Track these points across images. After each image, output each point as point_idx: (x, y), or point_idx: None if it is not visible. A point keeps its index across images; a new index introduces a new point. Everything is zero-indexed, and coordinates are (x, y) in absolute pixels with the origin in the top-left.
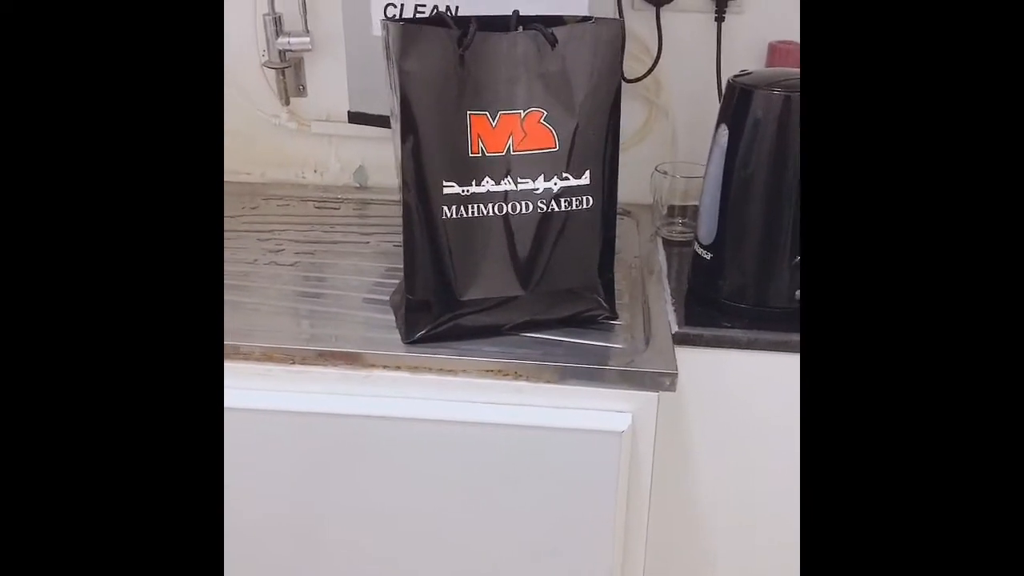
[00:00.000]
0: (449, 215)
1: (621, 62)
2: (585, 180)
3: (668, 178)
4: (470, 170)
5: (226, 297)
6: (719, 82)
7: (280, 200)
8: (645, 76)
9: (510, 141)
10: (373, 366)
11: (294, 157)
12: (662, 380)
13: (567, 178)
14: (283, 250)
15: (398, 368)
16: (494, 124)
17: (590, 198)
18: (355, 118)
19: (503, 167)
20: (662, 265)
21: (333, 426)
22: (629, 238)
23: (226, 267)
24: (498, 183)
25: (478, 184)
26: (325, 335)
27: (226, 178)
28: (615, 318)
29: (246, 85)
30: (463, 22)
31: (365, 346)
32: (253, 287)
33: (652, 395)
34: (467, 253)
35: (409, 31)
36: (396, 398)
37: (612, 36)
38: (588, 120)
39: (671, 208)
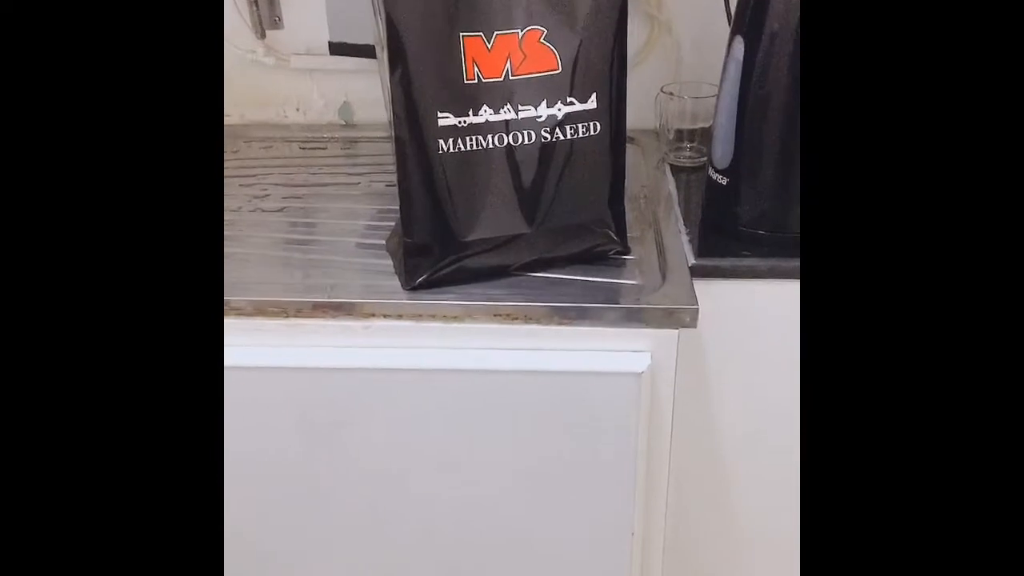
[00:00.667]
0: (446, 149)
1: None
2: (591, 104)
3: (675, 99)
4: (466, 99)
5: None
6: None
7: (262, 142)
8: None
9: (508, 64)
10: (372, 315)
11: (274, 95)
12: (682, 316)
13: (572, 103)
14: (268, 195)
15: (400, 317)
16: (490, 46)
17: (597, 124)
18: (336, 49)
19: (502, 94)
20: (672, 193)
21: (333, 381)
22: (635, 166)
23: None
24: (497, 112)
25: (476, 114)
26: (319, 285)
27: None
28: (627, 252)
29: None
30: None
31: (363, 295)
32: (239, 236)
33: (672, 332)
34: (467, 190)
35: None
36: (399, 348)
37: None
38: (593, 37)
39: (679, 132)
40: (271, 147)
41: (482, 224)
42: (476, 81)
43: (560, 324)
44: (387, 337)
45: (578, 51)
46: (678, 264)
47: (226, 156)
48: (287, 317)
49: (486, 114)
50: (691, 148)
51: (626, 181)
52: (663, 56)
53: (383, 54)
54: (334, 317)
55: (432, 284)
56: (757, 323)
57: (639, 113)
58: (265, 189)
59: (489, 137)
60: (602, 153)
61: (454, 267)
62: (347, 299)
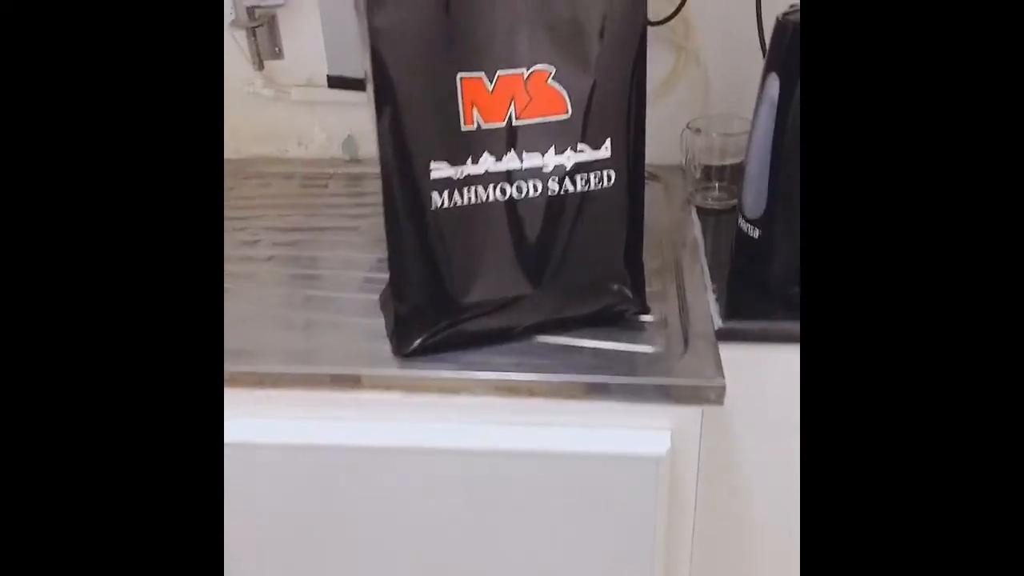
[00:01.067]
0: (440, 204)
1: (646, 12)
2: (605, 152)
3: (702, 136)
4: (464, 146)
5: None
6: (759, 20)
7: (260, 179)
8: (672, 16)
9: (512, 108)
10: (361, 386)
11: (274, 129)
12: (706, 393)
13: (583, 150)
14: (259, 241)
15: (389, 388)
16: (491, 87)
17: (611, 173)
18: (335, 82)
19: (505, 140)
20: (698, 239)
21: (316, 459)
22: (657, 207)
23: None
24: (499, 160)
25: (475, 163)
26: (303, 349)
27: None
28: (646, 312)
29: None
30: None
31: (349, 361)
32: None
33: (695, 410)
34: (465, 248)
35: None
36: (390, 423)
37: None
38: (607, 77)
39: (706, 170)
40: (269, 185)
41: (481, 285)
42: (475, 127)
43: (569, 398)
44: (378, 411)
45: (591, 93)
46: (703, 327)
47: None
48: (263, 387)
49: (486, 163)
50: (720, 188)
51: (648, 223)
52: (690, 87)
53: (371, 93)
54: (317, 388)
55: (427, 350)
56: (790, 394)
57: (664, 148)
58: (256, 234)
59: (490, 189)
60: (617, 206)
61: (451, 331)
62: (330, 368)
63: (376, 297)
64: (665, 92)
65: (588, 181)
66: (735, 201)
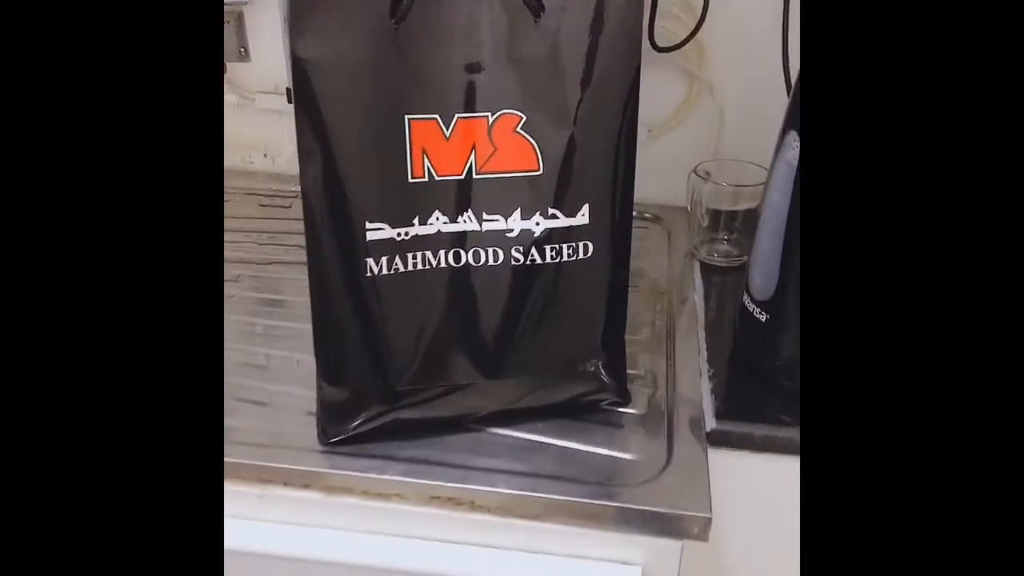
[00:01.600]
0: (378, 271)
1: (641, 39)
2: (582, 218)
3: (710, 183)
4: (410, 202)
5: None
6: (785, 50)
7: None
8: (685, 42)
9: (471, 158)
10: (269, 481)
11: (237, 139)
12: (689, 526)
13: (555, 215)
14: None
15: (306, 486)
16: (448, 133)
17: (589, 244)
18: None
19: (461, 197)
20: (698, 305)
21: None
22: (656, 256)
23: None
24: (453, 221)
25: (423, 222)
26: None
27: None
28: (625, 402)
29: None
30: None
31: (270, 446)
32: None
33: (673, 544)
34: (406, 322)
35: None
36: (300, 528)
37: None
38: (589, 130)
39: (714, 216)
40: (228, 201)
41: (425, 367)
42: (426, 179)
43: (520, 517)
44: (286, 512)
45: (567, 147)
46: (693, 428)
47: None
48: None
49: (438, 223)
50: (728, 240)
51: (643, 272)
52: (702, 121)
53: (297, 136)
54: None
55: (358, 439)
56: (790, 516)
57: (669, 188)
58: None
59: (440, 255)
60: (595, 283)
61: (386, 419)
62: (239, 456)
63: None
64: (674, 125)
65: (560, 252)
66: (745, 258)
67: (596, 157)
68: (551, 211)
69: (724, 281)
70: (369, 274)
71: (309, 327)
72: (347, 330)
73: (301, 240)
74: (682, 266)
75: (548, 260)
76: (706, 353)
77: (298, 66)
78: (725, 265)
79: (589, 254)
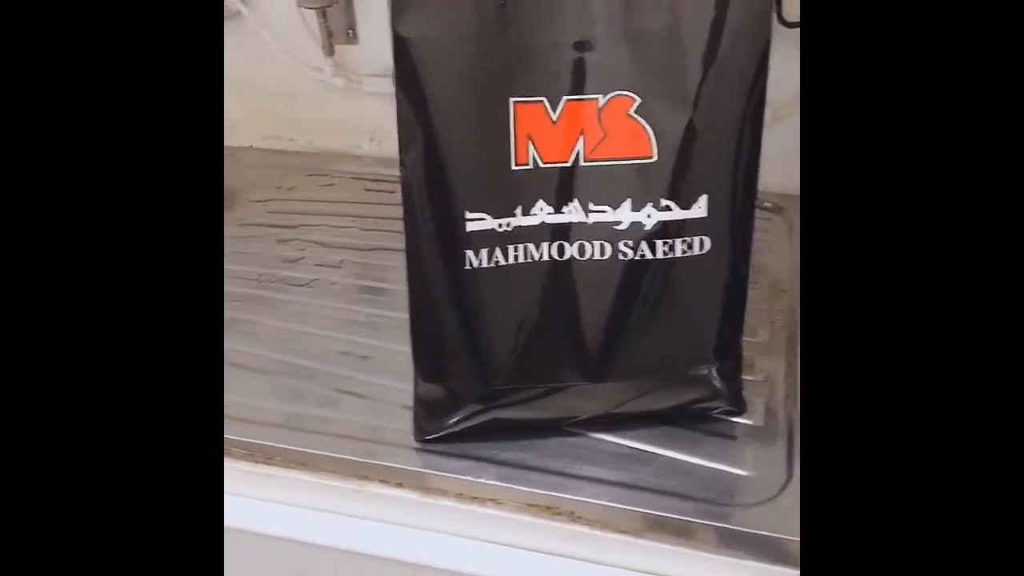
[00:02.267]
0: (478, 263)
1: (771, 12)
2: (699, 211)
3: None
4: (514, 191)
5: None
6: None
7: (324, 178)
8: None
9: (580, 145)
10: (366, 478)
11: (345, 122)
12: None
13: (668, 207)
14: (303, 259)
15: (400, 485)
16: (555, 117)
17: (706, 240)
18: None
19: (567, 186)
20: None
21: (310, 556)
22: (776, 250)
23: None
24: (558, 212)
25: (526, 213)
26: (317, 416)
27: (263, 144)
28: (740, 411)
29: (281, 29)
30: None
31: (364, 440)
32: (240, 323)
33: (790, 573)
34: (507, 320)
35: None
36: (395, 527)
37: None
38: (711, 113)
39: None
40: (332, 185)
41: (524, 369)
42: (531, 166)
43: (621, 532)
44: (387, 509)
45: (686, 133)
46: None
47: (278, 194)
48: (255, 461)
49: (541, 214)
50: None
51: (763, 270)
52: None
53: (398, 120)
54: (317, 471)
55: (455, 438)
56: None
57: (791, 175)
58: (301, 249)
59: (543, 247)
60: (711, 281)
61: (482, 419)
62: (332, 450)
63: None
64: (794, 110)
65: (673, 247)
66: None
67: (718, 144)
68: (664, 203)
69: None
70: (469, 267)
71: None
72: (445, 325)
73: (386, 226)
74: None
75: (660, 256)
76: None
77: (399, 45)
78: None
79: (706, 250)
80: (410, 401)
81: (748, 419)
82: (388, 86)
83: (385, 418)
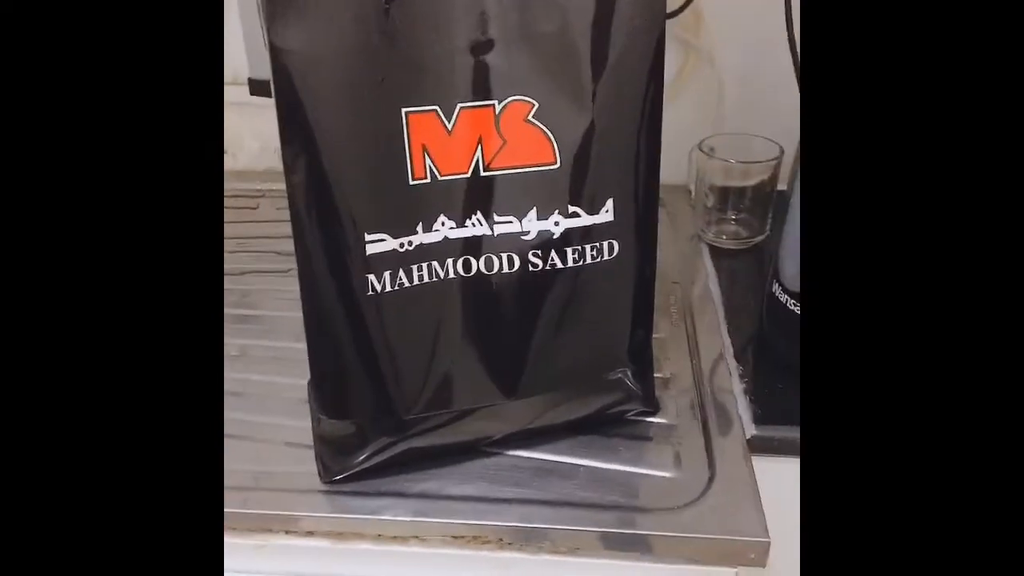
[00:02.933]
0: (380, 288)
1: (664, 5)
2: (606, 215)
3: (714, 160)
4: (413, 207)
5: None
6: (788, 13)
7: None
8: (682, 9)
9: (478, 153)
10: (268, 530)
11: None
12: (742, 552)
13: (576, 214)
14: None
15: (309, 533)
16: (450, 126)
17: (614, 244)
18: (257, 89)
19: (469, 198)
20: (714, 294)
21: None
22: (662, 240)
23: None
24: (461, 225)
25: (427, 229)
26: None
27: None
28: (654, 411)
29: None
30: None
31: (254, 490)
32: None
33: (727, 572)
34: (414, 345)
35: None
36: None
37: None
38: (610, 113)
39: (722, 194)
40: None
41: (438, 395)
42: (428, 180)
43: (552, 552)
44: (291, 563)
45: (587, 136)
46: (731, 437)
47: None
48: None
49: (444, 229)
50: (736, 220)
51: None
52: (701, 94)
53: (281, 136)
54: None
55: (363, 476)
56: None
57: (667, 166)
58: None
59: (448, 264)
60: (623, 286)
61: (394, 452)
62: (228, 504)
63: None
64: (671, 98)
65: (583, 254)
66: (760, 238)
67: (619, 144)
68: (572, 209)
69: (737, 265)
70: (371, 292)
71: (291, 345)
72: (348, 357)
73: (274, 245)
74: (690, 250)
75: (570, 264)
76: (732, 349)
77: (278, 59)
78: (735, 247)
79: (615, 254)
80: (297, 438)
81: (662, 418)
82: (239, 94)
83: (274, 460)
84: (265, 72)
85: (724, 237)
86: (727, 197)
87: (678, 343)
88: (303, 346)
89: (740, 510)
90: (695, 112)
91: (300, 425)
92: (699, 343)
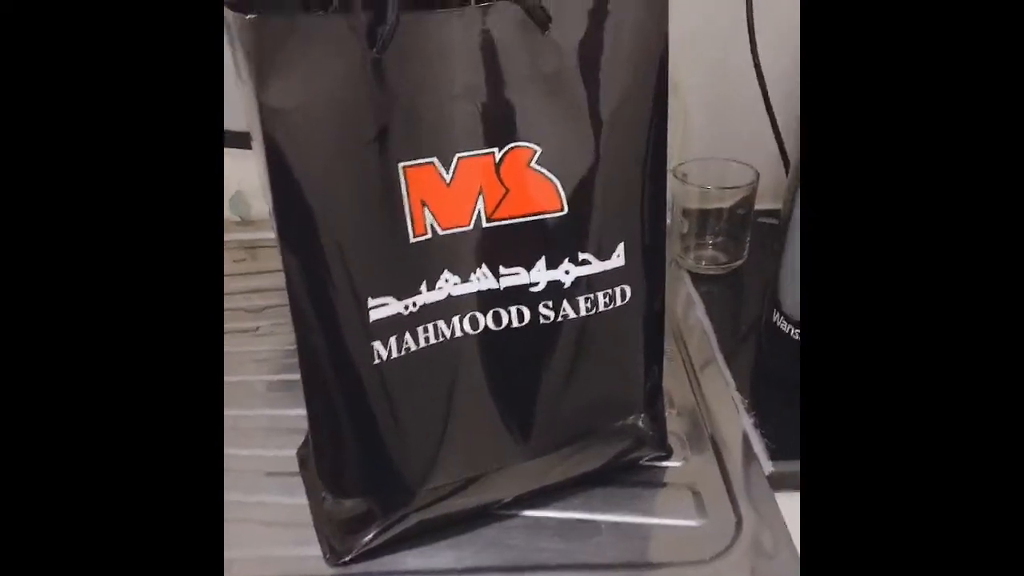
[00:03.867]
0: (386, 356)
1: (666, 37)
2: (617, 260)
3: (689, 186)
4: (415, 266)
5: None
6: (752, 39)
7: None
8: None
9: (479, 204)
10: None
11: None
12: None
13: (587, 261)
14: None
15: None
16: (448, 178)
17: (626, 289)
18: (232, 141)
19: (473, 252)
20: (704, 325)
21: None
22: None
23: None
24: (466, 280)
25: (431, 287)
26: None
27: None
28: (669, 455)
29: None
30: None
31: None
32: None
33: None
34: (422, 413)
35: (275, 32)
36: None
37: None
38: (617, 153)
39: (699, 219)
40: None
41: (450, 458)
42: (429, 235)
43: None
44: None
45: (593, 177)
46: (750, 476)
47: None
48: None
49: (447, 286)
50: (714, 245)
51: None
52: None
53: (269, 198)
54: None
55: (373, 554)
56: None
57: None
58: None
59: (455, 323)
60: (634, 329)
61: (405, 525)
62: None
63: (292, 453)
64: None
65: (595, 302)
66: (738, 263)
67: (626, 185)
68: (582, 256)
69: (719, 292)
70: (377, 361)
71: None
72: (354, 432)
73: (243, 302)
74: (671, 278)
75: (583, 312)
76: (733, 381)
77: (269, 119)
78: (715, 273)
79: (627, 300)
80: (272, 516)
81: (675, 461)
82: None
83: (253, 544)
84: (238, 124)
85: (703, 263)
86: (704, 223)
87: (679, 378)
88: (283, 412)
89: (778, 558)
90: None
91: (295, 502)
92: (699, 377)
